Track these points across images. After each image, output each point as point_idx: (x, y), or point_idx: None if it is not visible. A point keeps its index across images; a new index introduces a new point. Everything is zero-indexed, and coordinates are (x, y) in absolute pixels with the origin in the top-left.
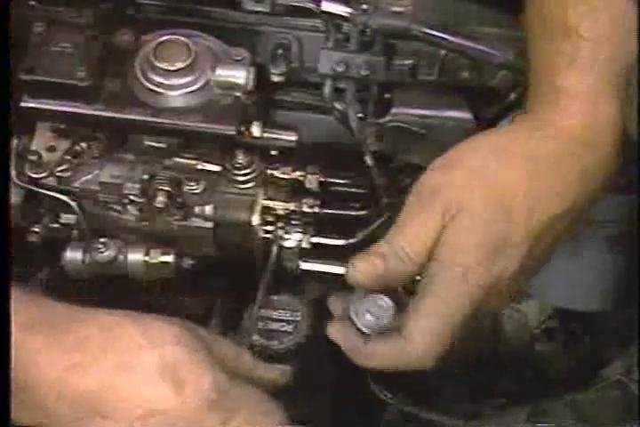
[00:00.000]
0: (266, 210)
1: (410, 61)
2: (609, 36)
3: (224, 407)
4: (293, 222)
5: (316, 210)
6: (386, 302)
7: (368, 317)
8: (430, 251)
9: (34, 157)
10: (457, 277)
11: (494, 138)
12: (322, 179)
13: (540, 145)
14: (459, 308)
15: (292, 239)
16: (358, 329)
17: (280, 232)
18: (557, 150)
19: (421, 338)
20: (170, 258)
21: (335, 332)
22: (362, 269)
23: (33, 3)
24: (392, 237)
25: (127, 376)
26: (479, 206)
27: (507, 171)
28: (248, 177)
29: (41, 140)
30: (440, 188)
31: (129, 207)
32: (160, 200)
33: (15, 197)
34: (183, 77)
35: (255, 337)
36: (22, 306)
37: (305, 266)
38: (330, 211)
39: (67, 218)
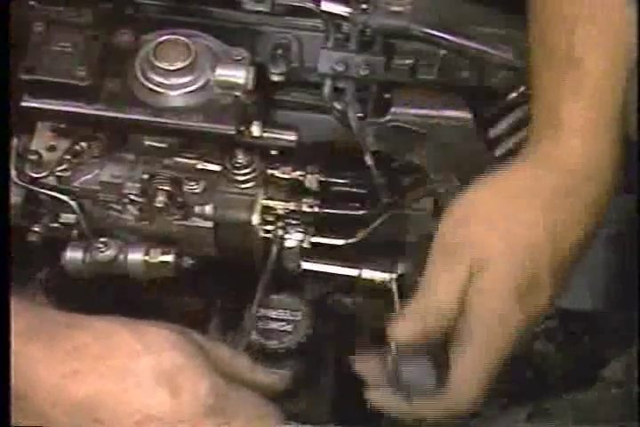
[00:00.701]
0: (266, 210)
1: (409, 61)
2: (612, 72)
3: (221, 412)
4: (293, 222)
5: (316, 210)
6: (426, 364)
7: (411, 380)
8: (462, 302)
9: (34, 157)
10: (494, 324)
11: (503, 182)
12: (322, 179)
13: (546, 181)
14: (499, 353)
15: (293, 239)
16: (401, 391)
17: (280, 232)
18: (563, 184)
19: (468, 390)
20: (170, 258)
21: (377, 399)
22: (402, 329)
23: (33, 3)
24: (424, 295)
25: (124, 382)
26: (504, 256)
27: (523, 214)
28: (248, 177)
29: (41, 140)
30: (463, 243)
31: (129, 207)
32: (160, 200)
33: (15, 197)
34: (183, 77)
35: (255, 337)
36: (19, 314)
37: (306, 266)
38: (330, 211)
39: (67, 218)
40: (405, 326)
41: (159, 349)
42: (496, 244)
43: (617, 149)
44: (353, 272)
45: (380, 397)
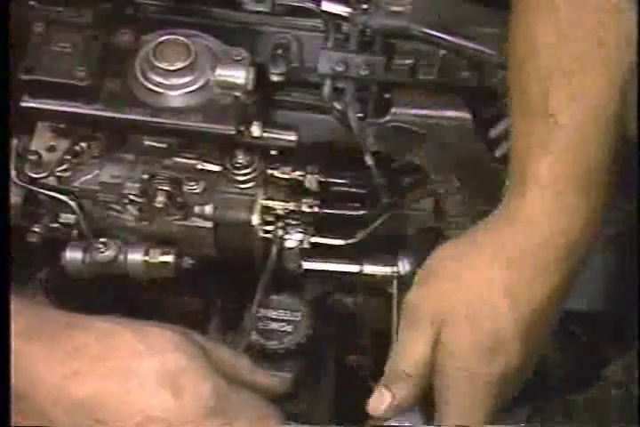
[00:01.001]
0: (266, 210)
1: (409, 61)
2: (585, 125)
3: (223, 414)
4: (293, 222)
5: (316, 210)
6: (417, 416)
7: None
8: (431, 362)
9: (34, 157)
10: (464, 382)
11: (467, 240)
12: (322, 179)
13: (511, 239)
14: (477, 409)
15: (293, 239)
16: None
17: (280, 232)
18: (528, 242)
19: None
20: (170, 258)
21: None
22: (376, 405)
23: (33, 3)
24: (393, 363)
25: (126, 383)
26: (463, 312)
27: (484, 271)
28: (248, 177)
29: (41, 140)
30: (421, 302)
31: (129, 207)
32: (160, 200)
33: (15, 197)
34: (183, 77)
35: (255, 337)
36: (20, 314)
37: (307, 265)
38: (330, 211)
39: (67, 218)
40: (378, 403)
41: (162, 350)
42: (454, 296)
43: (591, 201)
44: (354, 269)
45: None
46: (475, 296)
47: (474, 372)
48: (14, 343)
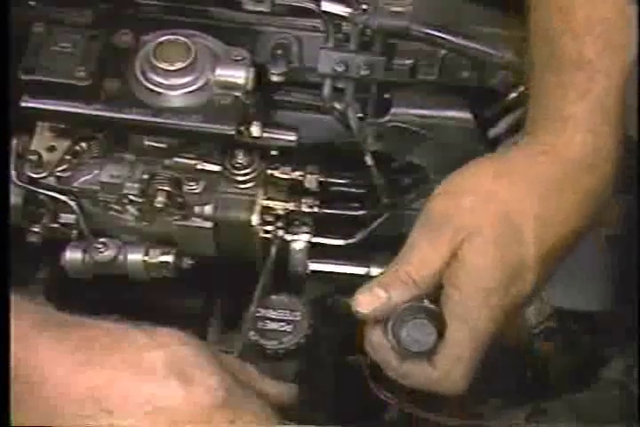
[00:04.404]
0: (265, 210)
1: (410, 61)
2: (621, 71)
3: (231, 407)
4: (293, 222)
5: (316, 210)
6: (428, 327)
7: (409, 340)
8: (439, 275)
9: (34, 157)
10: (478, 300)
11: (498, 162)
12: (322, 179)
13: (544, 169)
14: (482, 332)
15: (295, 240)
16: (396, 347)
17: (280, 232)
18: (561, 175)
19: (448, 366)
20: (170, 258)
21: (373, 346)
22: (364, 301)
23: (33, 3)
24: (397, 263)
25: (134, 373)
26: (491, 229)
27: (515, 194)
28: (248, 177)
29: (41, 141)
30: (449, 213)
31: (129, 207)
32: (160, 200)
33: (15, 197)
34: (183, 77)
35: (254, 337)
36: (26, 313)
37: (314, 267)
38: (330, 211)
39: (67, 218)
40: (367, 300)
41: (170, 343)
42: (483, 211)
43: (618, 145)
44: (361, 271)
45: (377, 345)
46: (505, 218)
47: (490, 292)
48: (21, 335)
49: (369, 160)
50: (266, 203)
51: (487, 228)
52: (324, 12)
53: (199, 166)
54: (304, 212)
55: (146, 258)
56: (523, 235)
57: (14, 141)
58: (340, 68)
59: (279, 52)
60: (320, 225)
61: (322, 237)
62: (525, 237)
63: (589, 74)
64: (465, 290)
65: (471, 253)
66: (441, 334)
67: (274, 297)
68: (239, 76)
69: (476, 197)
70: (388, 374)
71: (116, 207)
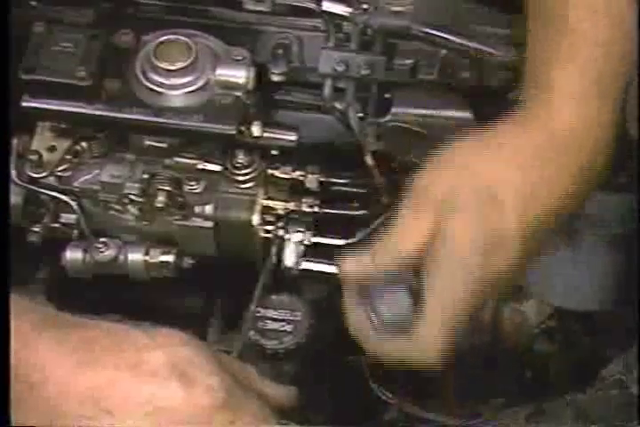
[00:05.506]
0: (266, 210)
1: (410, 61)
2: (607, 40)
3: (231, 408)
4: (293, 222)
5: (316, 210)
6: (405, 299)
7: (385, 311)
8: (423, 248)
9: (34, 157)
10: (456, 272)
11: (488, 137)
12: (322, 179)
13: (527, 139)
14: (459, 304)
15: (293, 239)
16: (375, 321)
17: (280, 232)
18: (545, 145)
19: (425, 338)
20: (170, 258)
21: (352, 320)
22: (348, 264)
23: (33, 3)
24: (386, 239)
25: (134, 373)
26: (471, 202)
27: (496, 165)
28: (248, 177)
29: (41, 140)
30: (430, 186)
31: (129, 207)
32: (160, 200)
33: (15, 197)
34: (183, 77)
35: (254, 337)
36: (27, 313)
37: (308, 266)
38: (330, 211)
39: (67, 218)
40: (352, 264)
41: (170, 344)
42: (464, 184)
43: (612, 117)
44: None
45: (356, 314)
46: (485, 190)
47: (467, 264)
48: (22, 335)
49: (369, 160)
50: (266, 203)
51: (467, 202)
52: (325, 11)
53: (200, 166)
54: (304, 212)
55: (146, 258)
56: (503, 206)
57: (15, 141)
58: (340, 68)
59: (280, 51)
60: (320, 225)
61: (322, 236)
62: (506, 209)
63: (573, 41)
64: (444, 263)
65: (450, 225)
66: (420, 308)
67: (274, 297)
68: (240, 75)
69: (457, 170)
70: (366, 350)
71: (117, 207)
